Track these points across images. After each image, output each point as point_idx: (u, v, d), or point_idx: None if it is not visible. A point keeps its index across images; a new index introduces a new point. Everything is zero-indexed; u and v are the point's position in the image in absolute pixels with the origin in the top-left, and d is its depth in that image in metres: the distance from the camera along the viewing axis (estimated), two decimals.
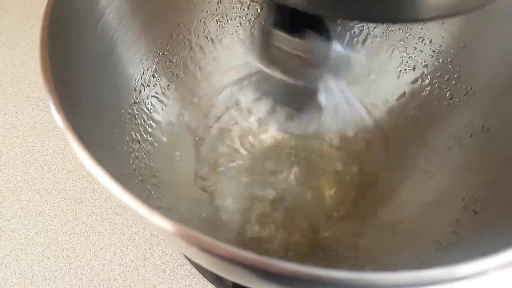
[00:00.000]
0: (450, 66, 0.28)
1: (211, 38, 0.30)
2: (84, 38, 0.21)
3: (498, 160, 0.24)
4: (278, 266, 0.13)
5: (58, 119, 0.17)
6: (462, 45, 0.27)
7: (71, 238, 0.34)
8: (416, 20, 0.15)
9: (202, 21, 0.30)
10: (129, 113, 0.26)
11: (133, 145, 0.25)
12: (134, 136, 0.26)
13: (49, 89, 0.17)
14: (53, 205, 0.35)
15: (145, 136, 0.26)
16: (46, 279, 0.32)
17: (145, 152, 0.26)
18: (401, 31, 0.30)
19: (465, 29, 0.26)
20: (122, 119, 0.25)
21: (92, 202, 0.35)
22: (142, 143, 0.26)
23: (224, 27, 0.31)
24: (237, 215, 0.30)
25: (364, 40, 0.31)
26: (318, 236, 0.28)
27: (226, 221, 0.29)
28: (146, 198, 0.23)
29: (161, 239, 0.34)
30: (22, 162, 0.37)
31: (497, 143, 0.24)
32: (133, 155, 0.25)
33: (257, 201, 0.31)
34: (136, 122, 0.26)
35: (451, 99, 0.28)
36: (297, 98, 0.27)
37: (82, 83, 0.21)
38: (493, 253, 0.13)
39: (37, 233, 0.34)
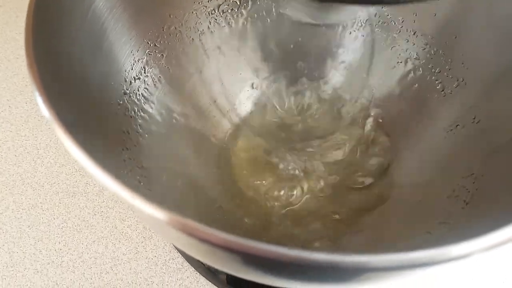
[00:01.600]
0: (442, 58, 0.28)
1: (203, 30, 0.30)
2: (73, 27, 0.21)
3: (489, 151, 0.24)
4: (274, 252, 0.13)
5: (43, 108, 0.17)
6: (454, 37, 0.27)
7: (63, 232, 0.34)
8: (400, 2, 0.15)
9: (194, 13, 0.29)
10: (119, 104, 0.26)
11: (123, 136, 0.25)
12: (124, 127, 0.26)
13: (33, 77, 0.17)
14: (46, 199, 0.35)
15: (135, 127, 0.26)
16: (38, 272, 0.32)
17: (136, 144, 0.26)
18: (393, 23, 0.30)
19: (457, 20, 0.26)
20: (112, 109, 0.25)
21: (85, 196, 0.35)
22: (133, 134, 0.26)
23: (216, 19, 0.31)
24: (229, 211, 0.30)
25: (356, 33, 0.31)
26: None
27: (217, 217, 0.29)
28: (135, 189, 0.23)
29: (153, 232, 0.34)
30: (15, 155, 0.37)
31: (488, 134, 0.24)
32: (123, 146, 0.25)
33: (252, 193, 0.31)
34: (127, 113, 0.26)
35: (442, 91, 0.28)
36: None
37: (70, 72, 0.21)
38: (477, 236, 0.13)
39: (29, 226, 0.34)
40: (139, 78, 0.27)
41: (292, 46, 0.30)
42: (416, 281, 0.32)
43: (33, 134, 0.38)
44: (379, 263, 0.13)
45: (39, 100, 0.16)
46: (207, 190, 0.29)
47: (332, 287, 0.18)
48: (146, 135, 0.27)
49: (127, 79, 0.26)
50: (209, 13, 0.30)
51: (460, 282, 0.31)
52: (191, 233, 0.14)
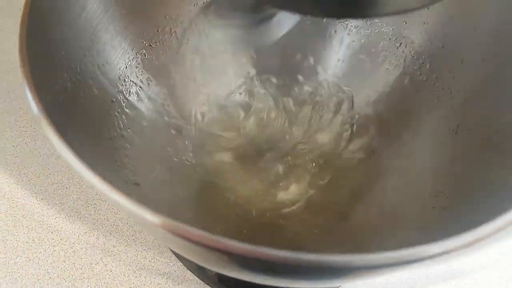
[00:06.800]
0: (429, 66, 0.28)
1: (198, 31, 0.31)
2: (67, 26, 0.22)
3: (470, 159, 0.24)
4: (266, 253, 0.13)
5: (33, 104, 0.17)
6: (441, 46, 0.28)
7: (56, 222, 0.34)
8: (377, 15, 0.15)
9: (189, 14, 0.30)
10: (112, 102, 0.26)
11: (115, 133, 0.26)
12: (117, 124, 0.26)
13: (25, 74, 0.18)
14: (41, 189, 0.36)
15: (128, 124, 0.27)
16: (29, 260, 0.33)
17: (127, 142, 0.27)
18: (384, 31, 0.30)
19: (444, 30, 0.27)
20: (105, 107, 0.26)
21: (79, 188, 0.36)
22: (125, 132, 0.27)
23: (211, 21, 0.31)
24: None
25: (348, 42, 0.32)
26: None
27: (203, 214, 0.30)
28: (123, 184, 0.24)
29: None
30: (13, 146, 0.38)
31: (469, 143, 0.25)
32: (114, 143, 0.26)
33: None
34: (119, 111, 0.27)
35: (429, 100, 0.28)
36: None
37: (63, 70, 0.22)
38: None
39: (23, 215, 0.35)
40: (132, 76, 0.28)
41: (281, 48, 0.30)
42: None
43: (31, 126, 0.39)
44: (364, 263, 0.13)
45: (29, 97, 0.17)
46: (191, 189, 0.30)
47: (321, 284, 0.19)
48: (139, 133, 0.28)
49: (121, 77, 0.27)
50: (204, 15, 0.31)
51: None
52: (180, 235, 0.14)
